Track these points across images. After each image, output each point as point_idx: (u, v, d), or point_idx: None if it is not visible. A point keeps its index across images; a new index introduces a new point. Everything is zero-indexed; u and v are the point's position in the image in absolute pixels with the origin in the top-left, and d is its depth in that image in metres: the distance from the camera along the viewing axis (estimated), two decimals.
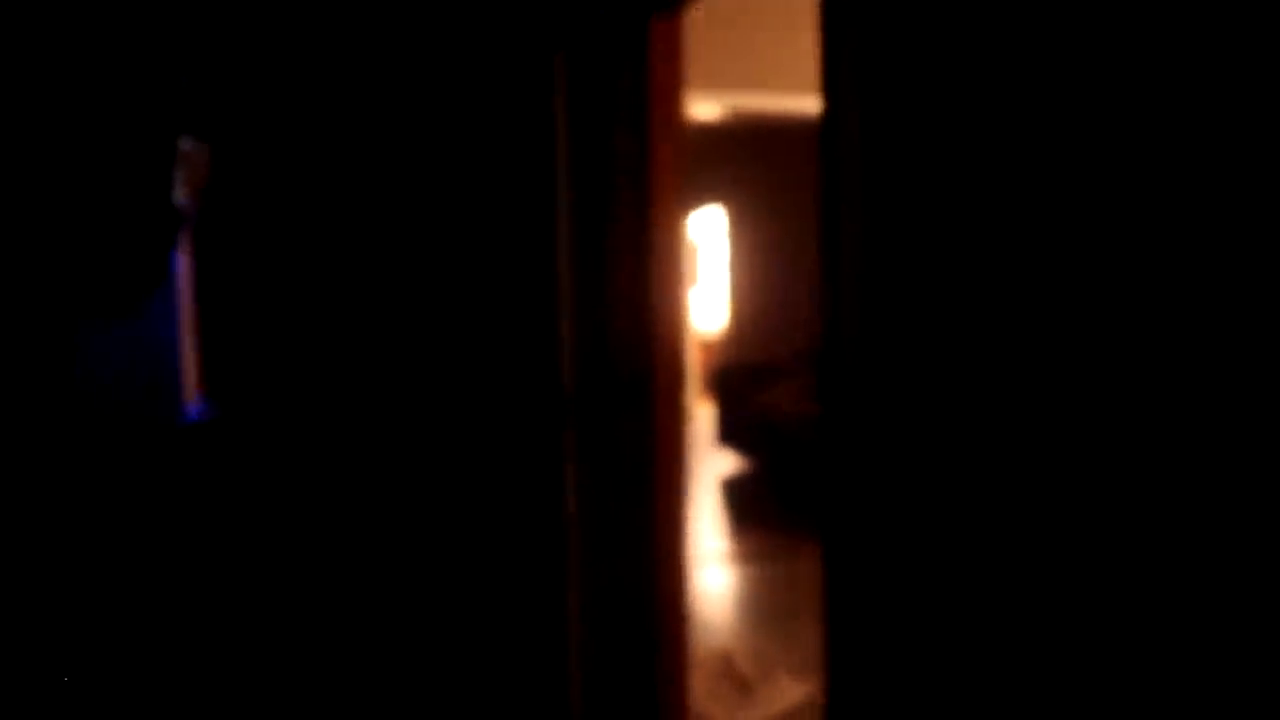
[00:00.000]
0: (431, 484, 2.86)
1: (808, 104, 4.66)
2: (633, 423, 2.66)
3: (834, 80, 1.58)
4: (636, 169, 2.48)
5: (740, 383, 7.34)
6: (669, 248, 2.48)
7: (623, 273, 2.61)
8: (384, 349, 2.82)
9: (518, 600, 2.84)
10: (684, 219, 2.51)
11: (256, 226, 2.84)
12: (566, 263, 2.65)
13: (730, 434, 7.12)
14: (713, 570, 4.58)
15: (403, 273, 2.82)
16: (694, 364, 8.86)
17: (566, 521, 2.72)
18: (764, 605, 4.14)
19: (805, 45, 4.75)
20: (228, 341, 2.88)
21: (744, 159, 8.50)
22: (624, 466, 2.66)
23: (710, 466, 7.13)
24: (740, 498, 6.40)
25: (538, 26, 2.64)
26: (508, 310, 2.81)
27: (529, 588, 2.80)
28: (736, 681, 3.24)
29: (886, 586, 1.42)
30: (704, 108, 4.84)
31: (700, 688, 3.09)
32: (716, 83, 4.42)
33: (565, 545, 2.75)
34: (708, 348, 9.69)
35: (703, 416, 8.64)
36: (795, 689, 3.16)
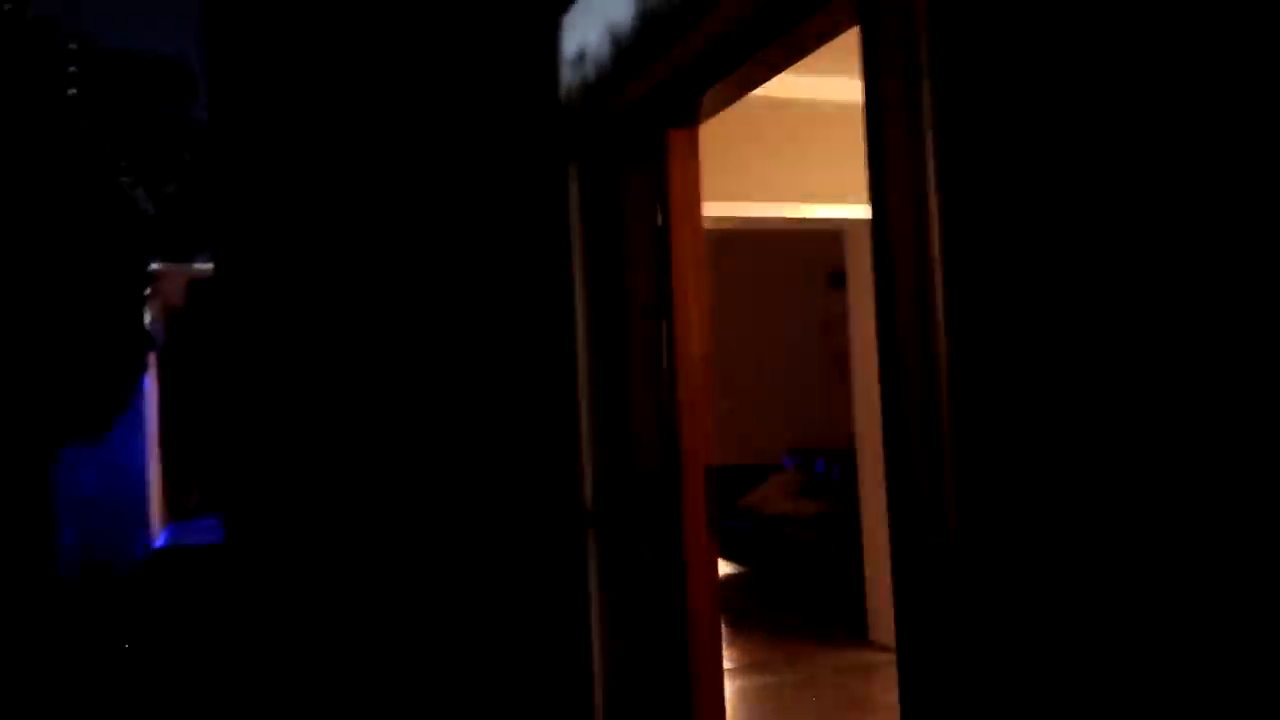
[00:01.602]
0: (453, 595, 2.77)
1: (786, 211, 4.80)
2: (658, 537, 2.61)
3: (881, 189, 1.62)
4: (659, 273, 2.50)
5: (723, 485, 7.27)
6: (693, 356, 2.49)
7: (645, 384, 2.60)
8: (407, 468, 2.76)
9: (537, 708, 2.72)
10: (706, 322, 2.52)
11: (267, 346, 2.79)
12: (586, 379, 2.64)
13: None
14: None
15: (421, 381, 2.78)
16: None
17: (591, 636, 2.63)
18: (776, 718, 4.01)
19: (773, 160, 4.91)
20: (236, 462, 2.80)
21: (717, 265, 8.66)
22: (652, 576, 2.60)
23: None
24: (730, 604, 6.26)
25: (555, 137, 2.69)
26: (528, 425, 2.78)
27: (555, 705, 2.69)
28: None
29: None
30: None
31: None
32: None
33: (590, 662, 2.65)
34: None
35: None
36: None
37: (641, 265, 2.60)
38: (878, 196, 1.63)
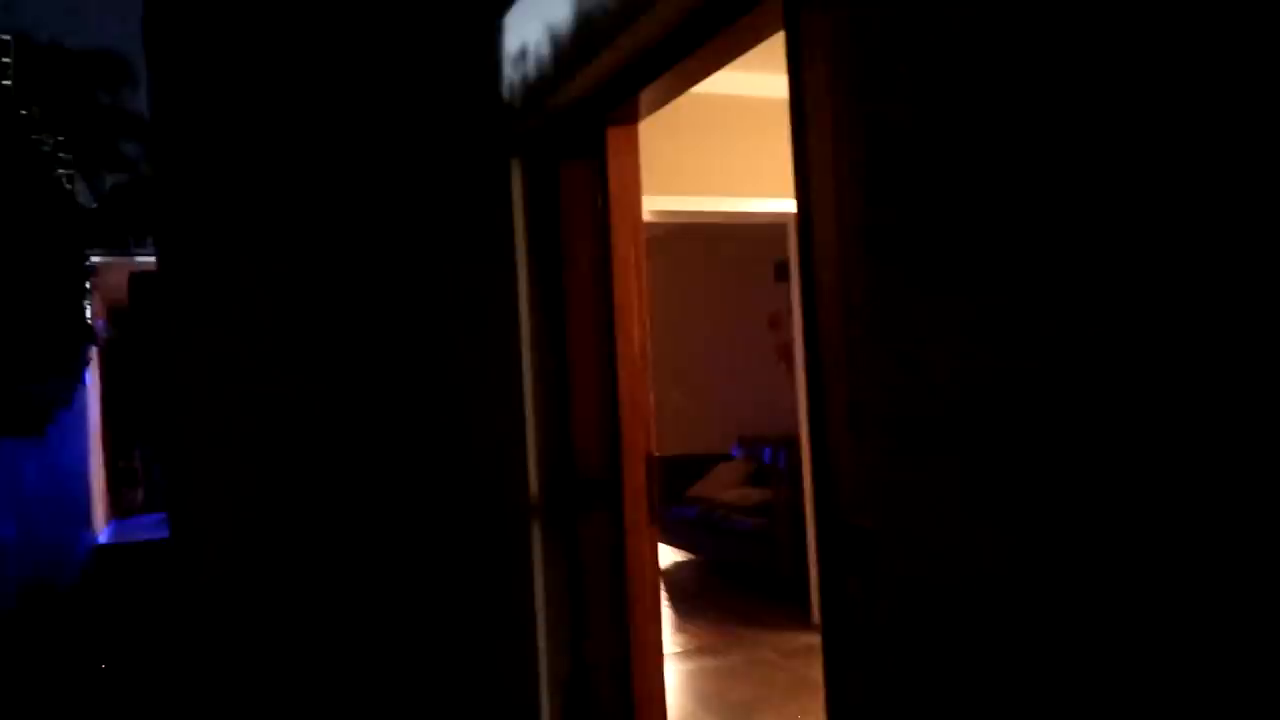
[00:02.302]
0: (399, 588, 2.81)
1: (730, 205, 4.89)
2: (600, 521, 2.68)
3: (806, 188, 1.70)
4: (598, 268, 2.56)
5: (671, 475, 7.37)
6: (633, 343, 2.55)
7: (586, 366, 2.66)
8: (355, 463, 2.79)
9: (484, 696, 2.78)
10: (646, 315, 2.59)
11: (212, 339, 2.80)
12: (530, 367, 2.69)
13: (664, 528, 7.11)
14: (665, 667, 4.53)
15: (369, 375, 2.82)
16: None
17: (534, 615, 2.69)
18: (722, 700, 4.10)
19: (719, 155, 4.99)
20: (179, 457, 2.81)
21: (660, 259, 8.75)
22: (593, 564, 2.66)
23: None
24: (679, 591, 6.36)
25: (498, 134, 2.73)
26: (474, 418, 2.83)
27: (498, 682, 2.75)
28: None
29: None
30: None
31: None
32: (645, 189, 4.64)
33: (533, 639, 2.71)
34: None
35: None
36: None
37: (582, 260, 2.66)
38: (802, 195, 1.71)
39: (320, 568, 2.80)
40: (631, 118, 2.47)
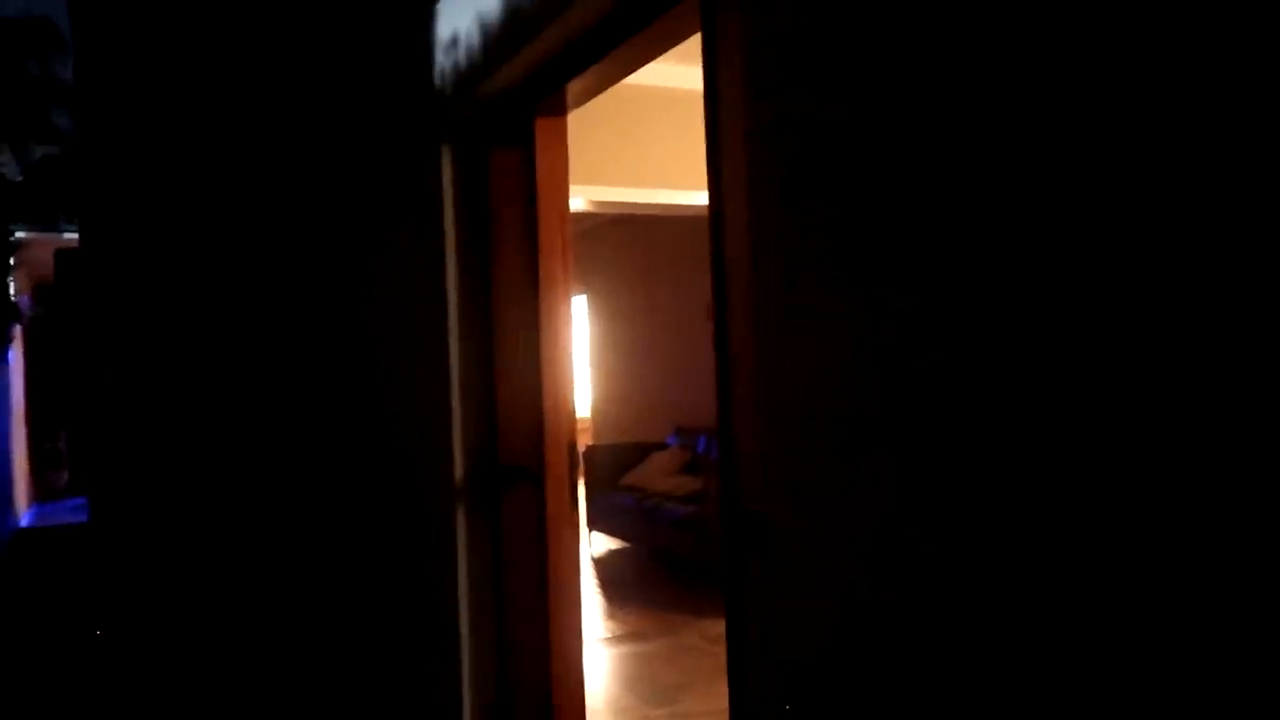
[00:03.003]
0: (322, 571, 2.81)
1: (663, 197, 4.94)
2: (524, 503, 2.71)
3: (718, 179, 1.74)
4: (526, 257, 2.59)
5: (607, 463, 7.43)
6: (558, 332, 2.59)
7: (512, 354, 2.69)
8: (281, 446, 2.79)
9: (408, 681, 2.80)
10: (570, 305, 2.62)
11: (137, 319, 2.78)
12: (457, 354, 2.71)
13: (599, 515, 7.17)
14: (592, 651, 4.59)
15: (296, 358, 2.81)
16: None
17: (458, 603, 2.71)
18: (648, 683, 4.17)
19: (660, 147, 5.04)
20: (102, 438, 2.78)
21: (603, 249, 8.79)
22: (516, 548, 2.70)
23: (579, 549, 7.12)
24: (611, 578, 6.42)
25: (429, 119, 2.74)
26: (400, 401, 2.84)
27: (420, 664, 2.77)
28: None
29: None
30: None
31: None
32: (579, 178, 4.67)
33: (456, 621, 2.74)
34: None
35: None
36: None
37: (510, 248, 2.68)
38: (714, 192, 1.76)
39: (243, 548, 2.79)
40: (560, 109, 2.50)
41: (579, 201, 5.08)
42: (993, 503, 1.17)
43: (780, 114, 1.53)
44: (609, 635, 4.95)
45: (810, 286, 1.48)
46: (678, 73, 4.80)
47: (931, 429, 1.25)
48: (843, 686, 1.44)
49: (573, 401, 2.61)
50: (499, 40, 2.31)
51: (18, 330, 8.23)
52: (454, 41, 2.63)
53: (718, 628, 5.12)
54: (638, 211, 5.47)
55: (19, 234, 7.74)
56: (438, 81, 2.72)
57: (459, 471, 2.72)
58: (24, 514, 9.22)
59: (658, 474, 7.05)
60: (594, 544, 7.21)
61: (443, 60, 2.70)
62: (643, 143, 4.92)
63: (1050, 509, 1.10)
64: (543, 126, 2.51)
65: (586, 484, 7.51)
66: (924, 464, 1.26)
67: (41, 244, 8.38)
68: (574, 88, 2.32)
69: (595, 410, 9.42)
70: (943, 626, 1.25)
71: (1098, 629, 1.05)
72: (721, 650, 4.73)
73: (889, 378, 1.32)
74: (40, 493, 10.34)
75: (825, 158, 1.44)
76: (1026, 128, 1.11)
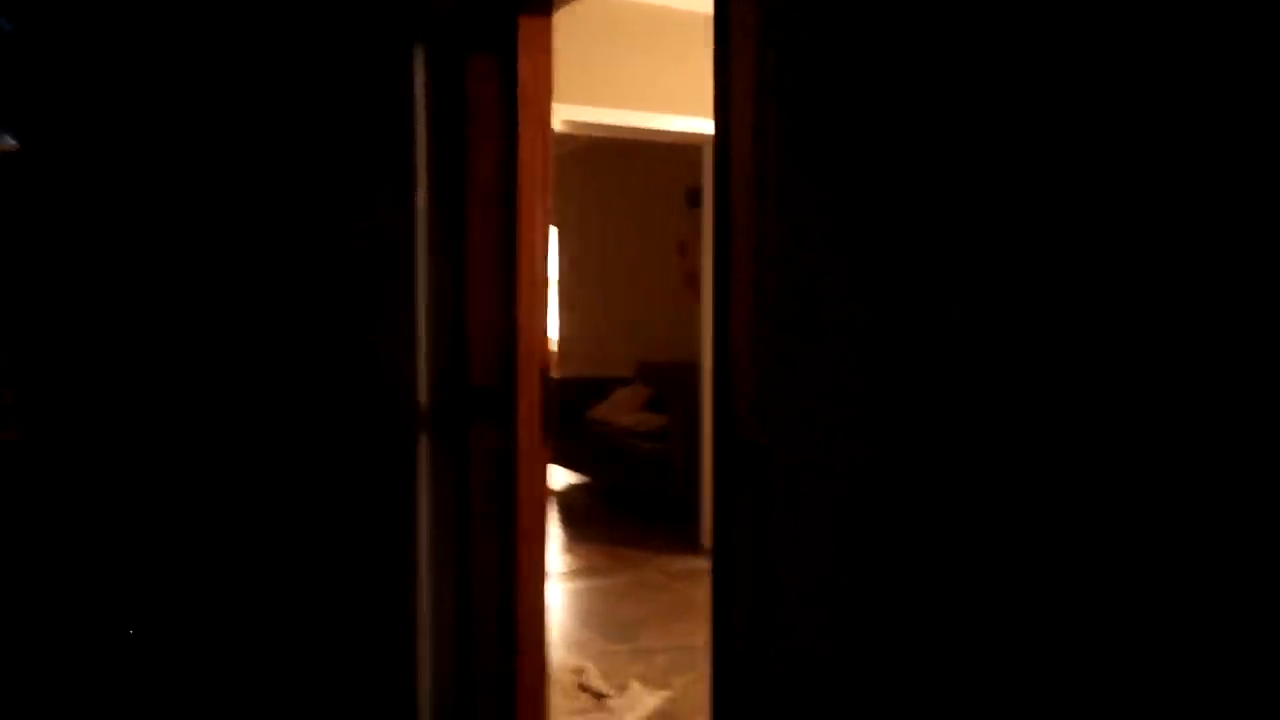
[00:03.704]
0: (273, 491, 2.68)
1: (642, 120, 4.74)
2: (493, 434, 2.60)
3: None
4: (503, 171, 2.43)
5: (569, 397, 7.32)
6: (535, 251, 2.44)
7: (484, 279, 2.55)
8: (229, 360, 2.62)
9: (364, 615, 2.70)
10: (549, 223, 2.48)
11: (80, 228, 2.58)
12: (424, 267, 2.56)
13: (559, 449, 7.08)
14: (550, 586, 4.53)
15: (248, 270, 2.64)
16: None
17: (417, 533, 2.60)
18: (607, 619, 4.12)
19: (637, 66, 4.83)
20: (37, 358, 2.59)
21: (571, 179, 8.53)
22: (482, 479, 2.59)
23: None
24: (572, 513, 6.37)
25: (398, 17, 2.54)
26: (357, 315, 2.68)
27: (377, 601, 2.67)
28: (591, 695, 3.20)
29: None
30: None
31: (556, 703, 3.03)
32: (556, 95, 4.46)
33: (414, 557, 2.63)
34: None
35: None
36: (649, 698, 3.16)
37: (486, 162, 2.52)
38: (721, 113, 1.62)
39: (188, 482, 2.65)
40: (545, 6, 2.32)
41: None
42: (1006, 442, 1.07)
43: (789, 31, 1.39)
44: (567, 570, 4.90)
45: (810, 207, 1.36)
46: None
47: (942, 360, 1.14)
48: (836, 623, 1.36)
49: (546, 325, 2.48)
50: None
51: None
52: None
53: (678, 564, 5.09)
54: (610, 135, 5.24)
55: None
56: None
57: (423, 396, 2.58)
58: None
59: (621, 409, 6.96)
60: (555, 478, 7.14)
61: None
62: (619, 60, 4.71)
63: (1061, 448, 1.00)
64: (527, 27, 2.33)
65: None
66: (934, 398, 1.16)
67: None
68: None
69: (560, 343, 9.28)
70: (943, 568, 1.16)
71: (1095, 572, 0.96)
72: (682, 586, 4.70)
73: (898, 309, 1.20)
74: None
75: (838, 70, 1.30)
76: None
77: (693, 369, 6.57)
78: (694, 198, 7.17)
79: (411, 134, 2.54)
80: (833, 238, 1.35)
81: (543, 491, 2.48)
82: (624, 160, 7.71)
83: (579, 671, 3.35)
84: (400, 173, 2.56)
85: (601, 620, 4.07)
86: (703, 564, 4.97)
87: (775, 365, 1.47)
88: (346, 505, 2.71)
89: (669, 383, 6.87)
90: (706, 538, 5.21)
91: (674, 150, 6.78)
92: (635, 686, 3.23)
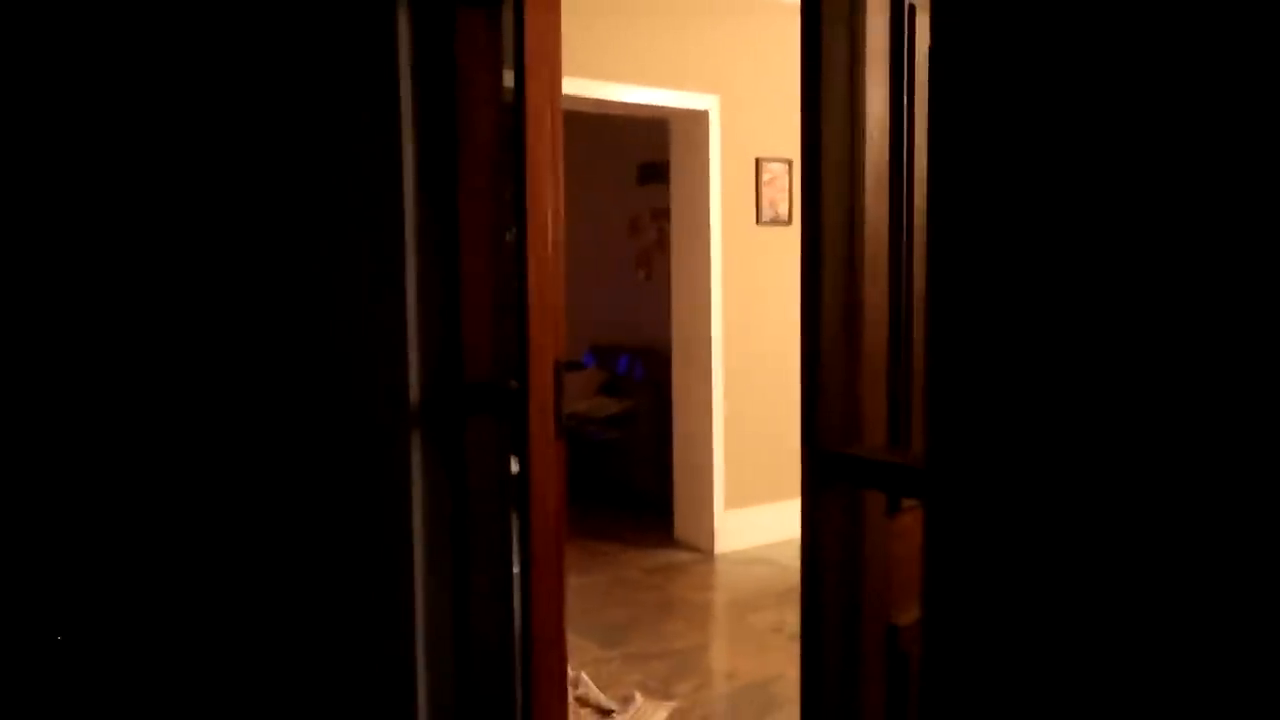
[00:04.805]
0: (244, 501, 2.38)
1: (597, 90, 4.46)
2: (492, 430, 2.35)
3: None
4: (500, 137, 2.16)
5: None
6: (544, 236, 2.18)
7: (479, 267, 2.29)
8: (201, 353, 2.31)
9: (353, 632, 2.42)
10: (561, 194, 2.22)
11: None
12: (414, 248, 2.27)
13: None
14: None
15: (211, 258, 2.32)
16: None
17: (411, 539, 2.33)
18: (592, 622, 3.89)
19: (592, 30, 4.54)
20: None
21: None
22: (485, 481, 2.34)
23: None
24: None
25: None
26: (339, 305, 2.38)
27: (368, 618, 2.39)
28: (594, 710, 2.97)
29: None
30: None
31: None
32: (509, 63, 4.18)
33: (410, 567, 2.36)
34: None
35: None
36: (658, 711, 2.94)
37: (481, 128, 2.26)
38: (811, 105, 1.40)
39: (149, 486, 2.32)
40: None
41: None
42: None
43: None
44: None
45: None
46: None
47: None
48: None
49: (561, 308, 2.22)
50: None
51: None
52: None
53: (652, 558, 4.88)
54: (567, 106, 4.95)
55: None
56: None
57: (414, 393, 2.31)
58: None
59: (576, 394, 6.70)
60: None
61: None
62: (578, 24, 4.42)
63: None
64: None
65: None
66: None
67: None
68: None
69: None
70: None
71: None
72: (662, 582, 4.48)
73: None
74: None
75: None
76: None
77: (651, 352, 6.36)
78: (647, 173, 6.93)
79: (396, 98, 2.24)
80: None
81: (559, 501, 2.23)
82: (570, 132, 7.39)
83: (574, 684, 3.11)
84: (384, 144, 2.27)
85: (587, 623, 3.84)
86: (680, 557, 4.77)
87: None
88: (325, 516, 2.42)
89: (629, 367, 6.64)
90: (680, 529, 5.00)
91: (626, 124, 6.51)
92: (639, 699, 3.01)
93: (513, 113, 2.14)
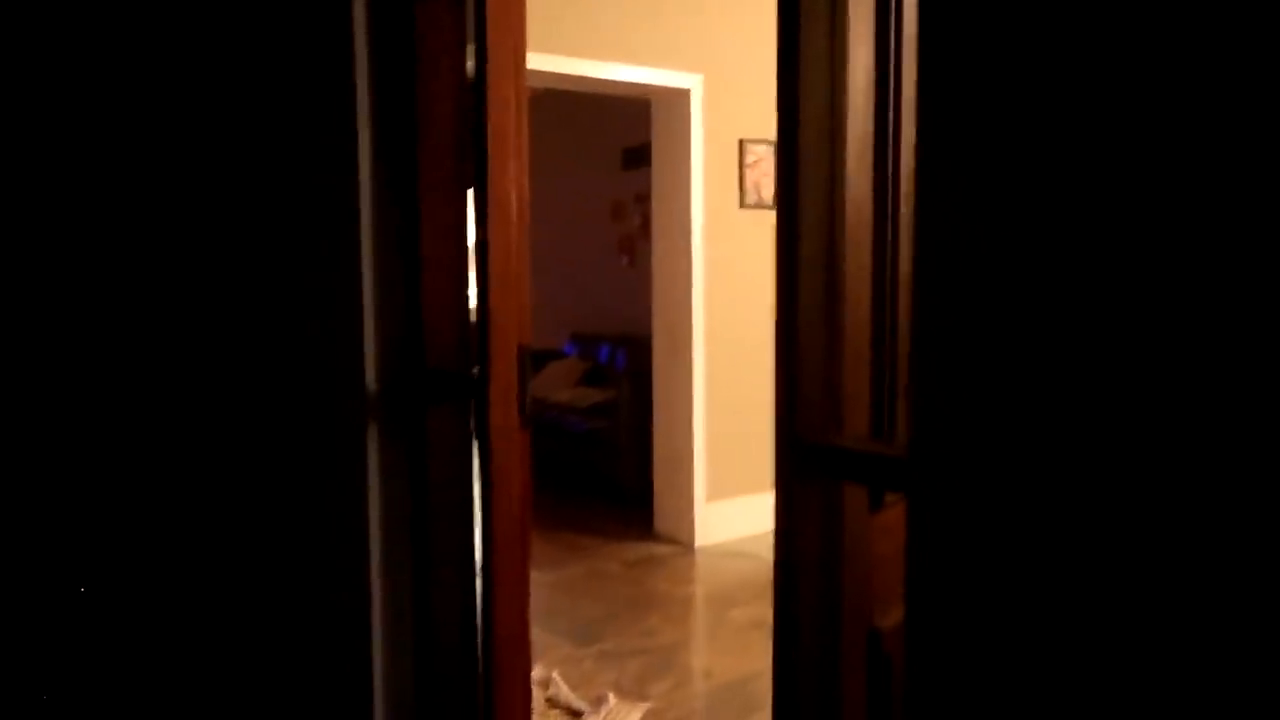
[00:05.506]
0: (187, 490, 2.25)
1: (580, 68, 4.31)
2: (454, 419, 2.23)
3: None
4: (460, 121, 2.03)
5: None
6: (508, 216, 2.05)
7: (443, 231, 2.16)
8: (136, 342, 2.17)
9: (306, 628, 2.29)
10: (525, 169, 2.09)
11: None
12: (370, 231, 2.14)
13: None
14: None
15: (152, 238, 2.18)
16: None
17: (367, 532, 2.20)
18: (566, 618, 3.77)
19: (574, 4, 4.39)
20: None
21: None
22: (447, 471, 2.21)
23: None
24: None
25: None
26: (291, 289, 2.25)
27: (322, 615, 2.26)
28: (564, 711, 2.85)
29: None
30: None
31: None
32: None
33: (366, 561, 2.23)
34: None
35: None
36: (631, 713, 2.83)
37: (441, 104, 2.13)
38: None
39: (78, 480, 2.19)
40: None
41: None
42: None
43: None
44: None
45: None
46: None
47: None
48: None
49: (526, 293, 2.10)
50: None
51: None
52: None
53: (632, 551, 4.76)
54: (547, 84, 4.77)
55: None
56: None
57: (371, 380, 2.18)
58: None
59: (556, 384, 6.58)
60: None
61: None
62: (580, 3, 4.28)
63: None
64: None
65: None
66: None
67: None
68: None
69: None
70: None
71: None
72: (640, 576, 4.37)
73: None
74: None
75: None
76: None
77: (634, 341, 6.22)
78: (631, 158, 6.79)
79: (350, 71, 2.11)
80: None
81: (525, 490, 2.10)
82: (553, 115, 7.24)
83: (545, 684, 2.99)
84: (338, 119, 2.13)
85: (560, 620, 3.72)
86: (660, 550, 4.65)
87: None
88: (277, 507, 2.29)
89: (611, 357, 6.51)
90: (660, 521, 4.89)
91: (610, 107, 6.37)
92: (612, 699, 2.89)
93: (473, 87, 2.01)
